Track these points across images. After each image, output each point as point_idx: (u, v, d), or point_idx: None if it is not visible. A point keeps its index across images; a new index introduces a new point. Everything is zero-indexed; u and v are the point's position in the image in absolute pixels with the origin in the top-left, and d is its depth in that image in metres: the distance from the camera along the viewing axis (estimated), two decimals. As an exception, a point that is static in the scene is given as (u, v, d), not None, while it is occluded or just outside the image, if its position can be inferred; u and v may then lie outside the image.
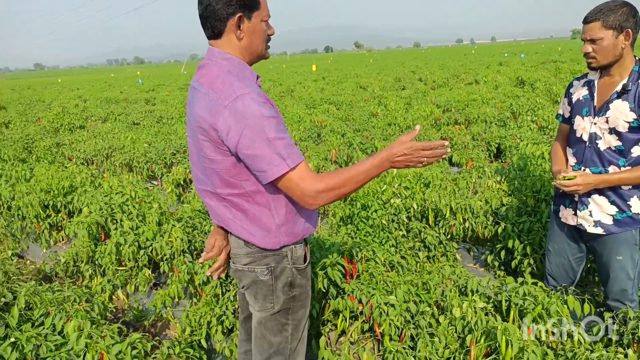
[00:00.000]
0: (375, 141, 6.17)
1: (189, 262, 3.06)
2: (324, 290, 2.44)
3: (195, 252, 3.28)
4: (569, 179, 2.11)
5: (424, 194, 3.60)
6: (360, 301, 2.38)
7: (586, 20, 2.05)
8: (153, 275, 3.36)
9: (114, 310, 3.28)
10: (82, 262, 3.47)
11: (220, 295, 2.80)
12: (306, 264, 1.71)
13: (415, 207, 3.54)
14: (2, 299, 2.40)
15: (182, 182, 5.35)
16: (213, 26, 1.49)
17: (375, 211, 3.50)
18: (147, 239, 3.28)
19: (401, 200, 3.56)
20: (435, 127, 7.53)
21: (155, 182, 6.30)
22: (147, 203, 3.71)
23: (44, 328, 2.21)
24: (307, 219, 1.66)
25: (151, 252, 3.26)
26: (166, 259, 3.20)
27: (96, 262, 3.43)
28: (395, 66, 27.38)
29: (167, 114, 10.96)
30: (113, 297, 3.35)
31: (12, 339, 2.05)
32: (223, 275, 1.79)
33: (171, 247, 3.19)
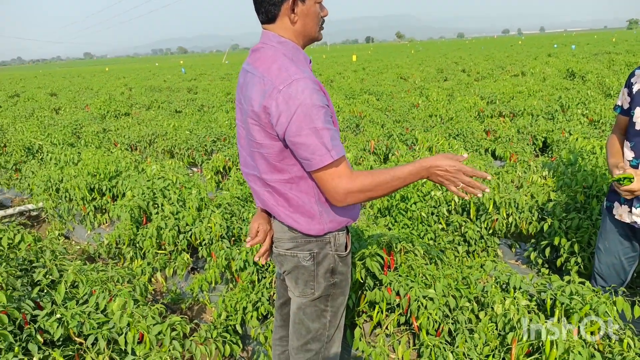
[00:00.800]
0: (415, 132, 6.04)
1: (227, 247, 3.10)
2: (361, 281, 2.41)
3: (233, 238, 3.32)
4: (624, 179, 1.97)
5: (465, 187, 3.49)
6: (397, 293, 2.34)
7: None
8: (191, 259, 3.43)
9: (153, 292, 3.37)
10: (124, 244, 3.57)
11: (257, 282, 2.82)
12: (348, 251, 1.70)
13: (457, 200, 3.44)
14: (50, 277, 2.50)
15: (221, 170, 5.42)
16: (267, 10, 1.48)
17: (415, 203, 3.43)
18: (187, 224, 3.34)
19: (442, 193, 3.47)
20: (478, 119, 7.32)
21: (195, 169, 6.42)
22: (187, 189, 3.78)
23: (87, 306, 2.29)
24: (351, 207, 1.64)
25: (190, 236, 3.32)
26: (205, 244, 3.25)
27: (137, 245, 3.53)
28: (437, 57, 26.79)
29: (208, 102, 11.15)
30: (152, 279, 3.44)
31: (58, 315, 2.13)
32: (269, 259, 1.79)
33: (210, 232, 3.23)
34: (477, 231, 3.32)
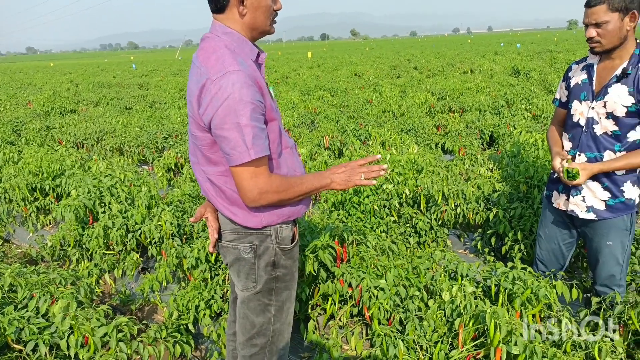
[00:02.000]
0: (369, 128, 6.13)
1: (178, 245, 3.03)
2: (314, 274, 2.42)
3: (184, 236, 3.24)
4: (572, 173, 2.07)
5: (416, 180, 3.58)
6: (350, 285, 2.36)
7: (590, 4, 1.97)
8: (141, 259, 3.33)
9: (101, 294, 3.25)
10: (69, 245, 3.42)
11: (209, 279, 2.78)
12: (293, 244, 1.68)
13: (408, 192, 3.52)
14: (-15, 281, 2.36)
15: (173, 167, 5.30)
16: (216, 0, 1.47)
17: (367, 197, 3.47)
18: (136, 223, 3.24)
19: (393, 186, 3.54)
20: (429, 114, 7.50)
21: (146, 167, 6.24)
22: (136, 186, 3.67)
23: (27, 311, 2.18)
24: (299, 200, 1.64)
25: (140, 235, 3.22)
26: (155, 243, 3.16)
27: (83, 246, 3.39)
28: (391, 54, 27.23)
29: (160, 98, 10.85)
30: (100, 281, 3.32)
31: (-6, 321, 2.02)
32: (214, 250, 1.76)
33: (160, 230, 3.15)
34: (427, 222, 3.41)
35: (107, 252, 3.31)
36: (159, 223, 3.17)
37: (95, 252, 3.26)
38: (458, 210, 3.47)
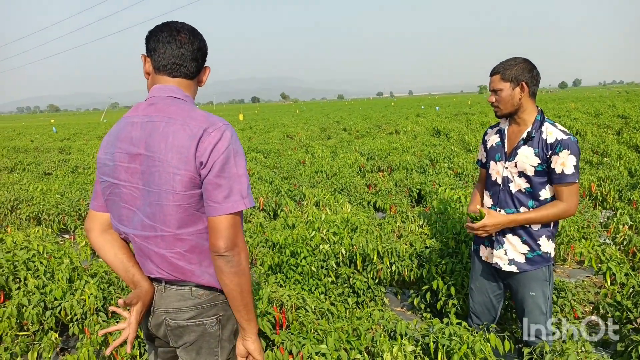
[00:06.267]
0: (303, 188, 6.21)
1: (104, 321, 2.81)
2: (252, 344, 2.32)
3: (111, 311, 3.02)
4: (475, 217, 2.26)
5: (351, 239, 3.64)
6: (290, 352, 2.29)
7: (490, 73, 2.32)
8: (60, 339, 3.04)
9: (12, 382, 2.89)
10: (-25, 328, 3.06)
11: (139, 357, 2.58)
12: None
13: (344, 252, 3.56)
14: None
15: (98, 235, 4.99)
16: (191, 68, 1.51)
17: (305, 258, 3.46)
18: (56, 298, 2.98)
19: (330, 246, 3.57)
20: (360, 174, 7.76)
21: (67, 236, 5.83)
22: (56, 258, 3.41)
23: None
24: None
25: (59, 312, 2.96)
26: (77, 320, 2.91)
27: (-7, 328, 3.04)
28: (320, 117, 28.25)
29: (83, 163, 10.37)
30: (12, 367, 2.96)
31: None
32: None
33: (83, 305, 2.92)
34: (365, 282, 3.44)
35: (21, 333, 2.99)
36: (82, 297, 2.94)
37: (6, 335, 2.93)
38: (393, 267, 3.55)
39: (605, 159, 7.91)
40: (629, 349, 2.40)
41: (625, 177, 6.42)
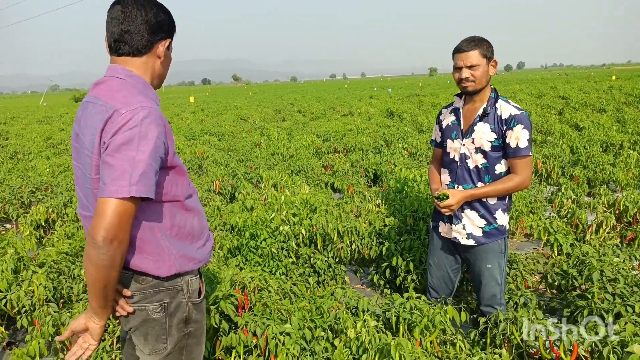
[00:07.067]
0: (260, 170, 6.14)
1: (55, 312, 2.68)
2: (216, 326, 2.29)
3: (62, 300, 2.89)
4: (442, 196, 2.30)
5: (311, 220, 3.64)
6: (254, 334, 2.28)
7: (464, 49, 2.26)
8: (7, 332, 2.88)
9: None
10: None
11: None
12: (201, 297, 1.60)
13: (304, 232, 3.56)
14: None
15: (43, 224, 4.74)
16: (138, 44, 1.43)
17: (265, 240, 3.44)
18: (0, 291, 2.81)
19: (290, 227, 3.55)
20: (316, 155, 7.76)
21: (9, 225, 5.50)
22: (-1, 249, 3.21)
23: None
24: (202, 245, 1.57)
25: (5, 305, 2.79)
26: (25, 312, 2.76)
27: None
28: (274, 99, 27.94)
29: (23, 149, 9.78)
30: (-46, 364, 2.79)
31: None
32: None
33: (32, 297, 2.77)
34: (325, 261, 3.46)
35: (-38, 329, 2.81)
36: (30, 288, 2.79)
37: (-54, 331, 2.75)
38: (353, 246, 3.59)
39: (548, 137, 8.30)
40: (574, 314, 2.56)
41: (568, 154, 6.77)
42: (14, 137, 12.34)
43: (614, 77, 27.41)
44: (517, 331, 2.27)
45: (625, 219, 4.06)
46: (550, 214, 4.49)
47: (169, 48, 1.52)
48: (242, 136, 10.19)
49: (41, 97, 55.78)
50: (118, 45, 1.44)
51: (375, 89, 36.19)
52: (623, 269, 2.78)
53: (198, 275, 1.60)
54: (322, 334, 2.33)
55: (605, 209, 4.23)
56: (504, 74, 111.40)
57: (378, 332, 2.27)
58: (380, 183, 6.23)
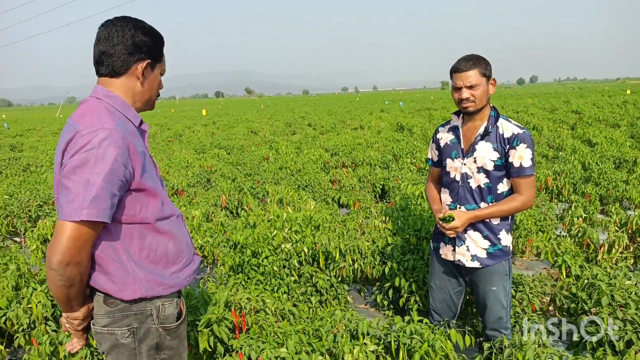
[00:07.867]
0: (266, 185, 6.12)
1: (53, 331, 2.66)
2: (210, 350, 2.25)
3: (61, 319, 2.86)
4: (448, 218, 2.23)
5: (314, 237, 3.59)
6: (249, 358, 2.23)
7: (463, 69, 2.20)
8: (7, 350, 2.87)
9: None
10: None
11: (90, 366, 2.45)
12: (179, 322, 1.55)
13: (306, 250, 3.50)
14: None
15: (49, 238, 4.75)
16: (114, 65, 1.44)
17: (267, 257, 3.39)
18: (0, 308, 2.80)
19: (292, 245, 3.51)
20: (324, 170, 7.73)
21: (17, 239, 5.54)
22: (1, 265, 3.21)
23: None
24: (179, 270, 1.53)
25: (5, 322, 2.78)
26: (23, 330, 2.74)
27: None
28: (285, 112, 28.09)
29: (36, 161, 9.91)
30: (-49, 382, 2.77)
31: None
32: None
33: (30, 315, 2.75)
34: (327, 280, 3.40)
35: (-39, 346, 2.80)
36: (29, 306, 2.77)
37: (-55, 349, 2.74)
38: (356, 265, 3.52)
39: (560, 153, 8.18)
40: (584, 339, 2.46)
41: (579, 170, 6.65)
42: (28, 150, 12.54)
43: (628, 92, 27.11)
44: (522, 358, 2.19)
45: (638, 239, 3.95)
46: (560, 232, 4.39)
47: (152, 70, 1.50)
48: (251, 150, 10.21)
49: (58, 109, 56.82)
50: (97, 66, 1.47)
51: (386, 102, 36.20)
52: (635, 292, 2.68)
53: (176, 299, 1.55)
54: (320, 358, 2.26)
55: (617, 228, 4.12)
56: (517, 87, 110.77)
57: (377, 357, 2.20)
58: (387, 198, 6.16)
